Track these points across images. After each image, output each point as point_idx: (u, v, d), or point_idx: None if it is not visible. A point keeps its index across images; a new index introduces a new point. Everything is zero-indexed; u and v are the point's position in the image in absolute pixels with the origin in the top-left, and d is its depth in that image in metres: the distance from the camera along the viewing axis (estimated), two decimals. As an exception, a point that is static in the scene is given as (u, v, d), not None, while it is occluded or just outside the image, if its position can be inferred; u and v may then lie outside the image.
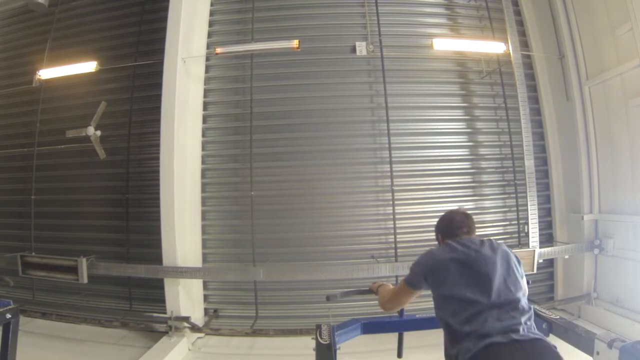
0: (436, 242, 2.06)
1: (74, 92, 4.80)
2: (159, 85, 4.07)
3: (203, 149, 4.51)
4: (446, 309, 1.67)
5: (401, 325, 2.41)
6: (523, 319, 1.55)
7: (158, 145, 4.00)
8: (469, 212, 2.04)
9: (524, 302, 1.63)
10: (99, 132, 4.41)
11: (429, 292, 1.91)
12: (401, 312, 2.42)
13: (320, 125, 4.47)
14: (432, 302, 1.81)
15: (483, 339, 1.47)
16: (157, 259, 3.96)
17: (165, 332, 3.84)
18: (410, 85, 4.57)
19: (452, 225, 1.94)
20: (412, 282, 1.86)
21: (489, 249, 1.75)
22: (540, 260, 4.06)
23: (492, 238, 1.90)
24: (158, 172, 3.98)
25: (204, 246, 4.41)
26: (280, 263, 4.21)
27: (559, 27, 4.47)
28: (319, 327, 2.15)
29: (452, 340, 1.59)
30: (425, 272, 1.80)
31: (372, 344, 3.35)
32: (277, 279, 4.15)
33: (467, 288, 1.61)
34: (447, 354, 1.64)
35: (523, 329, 1.52)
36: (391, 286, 2.23)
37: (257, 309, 4.33)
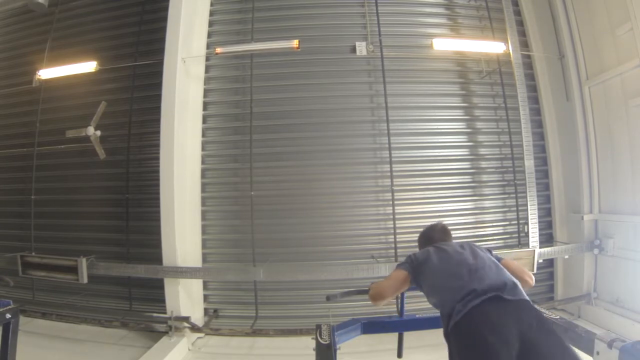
0: None
1: (74, 92, 4.80)
2: (159, 85, 4.07)
3: (203, 149, 4.51)
4: (434, 277, 1.89)
5: (401, 325, 2.42)
6: (505, 279, 1.71)
7: (158, 145, 4.00)
8: (447, 226, 2.32)
9: (501, 267, 1.86)
10: (98, 132, 4.41)
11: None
12: (401, 312, 2.43)
13: (320, 125, 4.47)
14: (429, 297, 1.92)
15: (471, 300, 1.60)
16: (157, 259, 3.96)
17: (165, 332, 3.84)
18: (410, 85, 4.57)
19: (432, 240, 2.20)
20: (402, 265, 2.05)
21: (458, 245, 2.05)
22: (540, 260, 4.07)
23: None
24: (158, 172, 3.98)
25: (204, 246, 4.41)
26: (280, 263, 4.20)
27: (559, 27, 4.47)
28: (319, 327, 2.16)
29: (444, 302, 1.74)
30: (412, 261, 2.03)
31: (372, 344, 3.35)
32: (277, 279, 4.15)
33: (448, 258, 1.90)
34: (442, 315, 1.76)
35: (509, 286, 1.66)
36: None
37: (257, 309, 4.33)
